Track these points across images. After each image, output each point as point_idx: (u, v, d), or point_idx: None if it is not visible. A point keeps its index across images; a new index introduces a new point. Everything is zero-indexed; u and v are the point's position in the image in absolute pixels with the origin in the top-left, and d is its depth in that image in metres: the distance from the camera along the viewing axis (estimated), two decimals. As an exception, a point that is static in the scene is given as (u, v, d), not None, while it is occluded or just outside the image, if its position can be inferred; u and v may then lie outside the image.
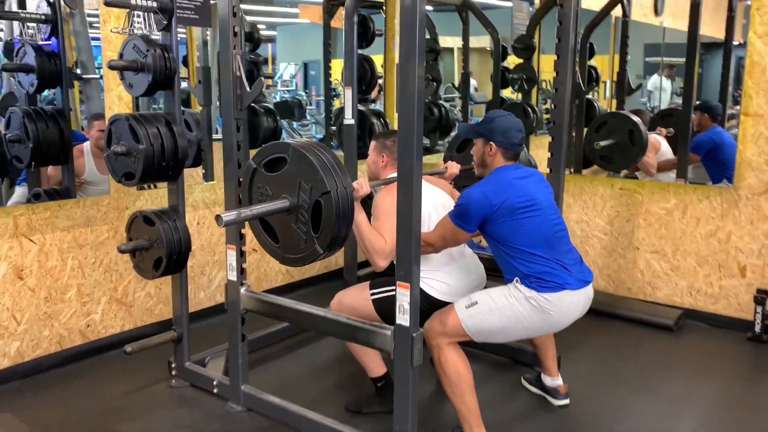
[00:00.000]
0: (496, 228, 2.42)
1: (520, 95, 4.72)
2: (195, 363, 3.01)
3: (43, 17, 3.17)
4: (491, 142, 2.51)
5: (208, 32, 3.96)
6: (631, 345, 3.59)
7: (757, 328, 3.58)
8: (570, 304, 2.42)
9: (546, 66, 5.76)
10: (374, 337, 2.29)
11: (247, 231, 3.76)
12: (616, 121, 4.13)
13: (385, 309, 2.54)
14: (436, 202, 2.71)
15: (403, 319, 2.16)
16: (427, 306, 2.56)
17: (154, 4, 2.68)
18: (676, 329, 3.75)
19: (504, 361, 3.28)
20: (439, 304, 2.57)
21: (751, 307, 3.60)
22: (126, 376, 3.09)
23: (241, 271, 2.71)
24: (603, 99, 4.91)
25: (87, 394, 2.94)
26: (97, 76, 3.37)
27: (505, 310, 2.39)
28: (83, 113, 3.48)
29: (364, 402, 2.78)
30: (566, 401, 2.86)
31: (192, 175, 3.69)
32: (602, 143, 4.08)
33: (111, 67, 2.64)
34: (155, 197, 3.48)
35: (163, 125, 2.67)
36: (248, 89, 2.60)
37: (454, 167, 3.05)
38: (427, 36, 4.91)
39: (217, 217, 2.12)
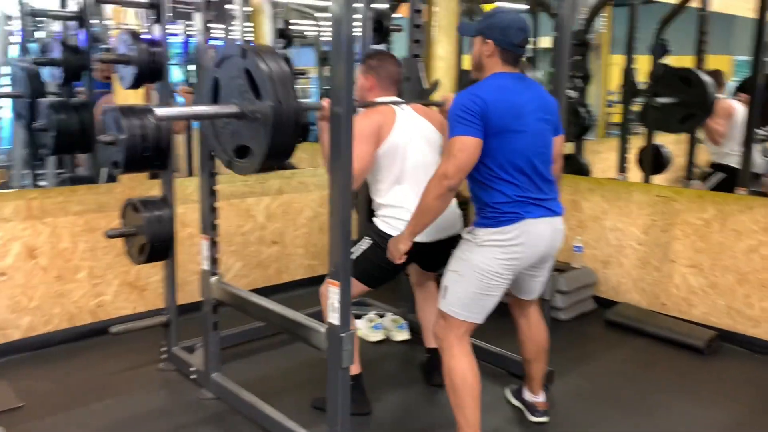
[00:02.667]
0: (486, 140, 2.21)
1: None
2: (184, 348, 3.10)
3: (72, 14, 3.40)
4: (489, 40, 2.28)
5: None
6: (646, 364, 3.30)
7: (798, 357, 3.20)
8: (531, 234, 2.25)
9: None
10: (310, 334, 2.25)
11: (244, 222, 3.79)
12: (678, 76, 3.64)
13: (358, 272, 2.43)
14: (419, 133, 2.63)
15: (333, 317, 2.11)
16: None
17: (144, 0, 2.78)
18: (708, 352, 3.40)
19: (499, 372, 3.13)
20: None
21: (794, 333, 3.23)
22: (125, 355, 3.23)
23: (213, 261, 2.75)
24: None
25: (82, 369, 3.10)
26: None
27: (466, 271, 2.29)
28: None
29: (330, 400, 2.74)
30: (544, 419, 2.68)
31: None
32: (660, 100, 3.65)
33: (101, 61, 2.77)
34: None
35: (148, 117, 2.77)
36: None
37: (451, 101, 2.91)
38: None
39: (150, 110, 1.84)
